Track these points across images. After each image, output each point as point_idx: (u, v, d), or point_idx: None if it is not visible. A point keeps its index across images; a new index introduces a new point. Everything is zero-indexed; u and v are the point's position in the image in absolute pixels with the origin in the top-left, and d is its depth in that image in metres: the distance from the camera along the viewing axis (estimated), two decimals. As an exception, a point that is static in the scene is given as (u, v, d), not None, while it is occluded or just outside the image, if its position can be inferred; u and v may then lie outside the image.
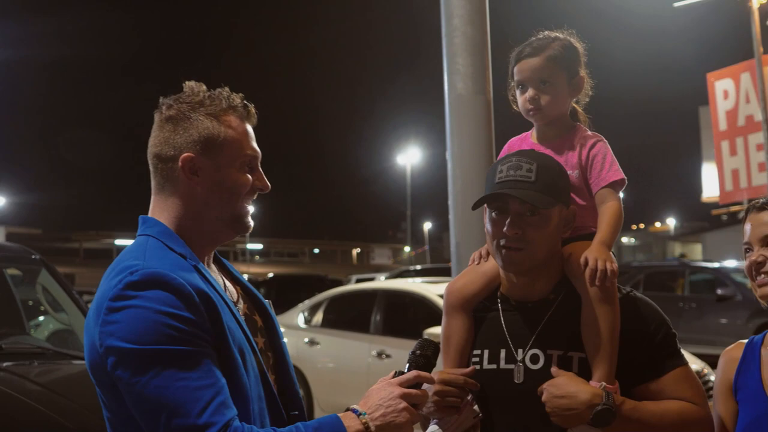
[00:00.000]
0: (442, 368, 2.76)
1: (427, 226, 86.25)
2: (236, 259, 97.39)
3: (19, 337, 6.03)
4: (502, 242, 2.60)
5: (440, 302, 9.47)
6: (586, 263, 2.60)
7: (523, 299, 2.74)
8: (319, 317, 11.90)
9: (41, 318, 6.97)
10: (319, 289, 15.27)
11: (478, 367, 2.73)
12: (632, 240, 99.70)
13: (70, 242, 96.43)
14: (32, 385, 5.06)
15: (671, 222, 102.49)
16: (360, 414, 2.25)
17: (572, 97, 2.95)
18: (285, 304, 13.49)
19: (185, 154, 2.36)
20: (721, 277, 18.98)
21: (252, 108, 2.49)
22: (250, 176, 2.45)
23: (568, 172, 2.77)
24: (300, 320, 12.14)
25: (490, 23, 5.86)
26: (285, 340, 2.67)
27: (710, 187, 22.96)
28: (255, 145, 2.48)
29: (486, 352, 2.75)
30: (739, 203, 19.09)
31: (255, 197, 2.51)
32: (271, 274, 38.93)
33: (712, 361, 9.54)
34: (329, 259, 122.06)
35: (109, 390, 2.21)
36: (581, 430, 2.50)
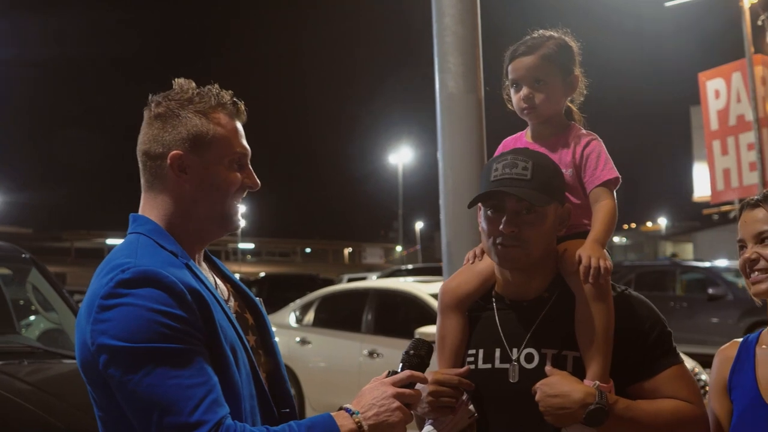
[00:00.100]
0: (436, 368, 2.75)
1: (419, 225, 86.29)
2: (228, 258, 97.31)
3: (9, 336, 5.99)
4: (499, 240, 2.58)
5: (432, 301, 9.49)
6: (580, 261, 2.59)
7: (518, 298, 2.73)
8: (310, 316, 11.88)
9: (32, 318, 6.95)
10: (310, 289, 15.24)
11: (473, 366, 2.72)
12: (624, 239, 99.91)
13: (61, 241, 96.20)
14: (22, 384, 5.03)
15: (662, 221, 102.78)
16: (353, 413, 2.25)
17: (567, 96, 2.94)
18: (276, 304, 13.49)
19: (174, 152, 2.35)
20: (713, 276, 19.05)
21: (241, 105, 2.49)
22: (239, 174, 2.44)
23: (563, 171, 2.76)
24: (291, 319, 12.12)
25: (481, 22, 5.85)
26: (276, 339, 2.66)
27: (701, 187, 23.00)
28: (244, 142, 2.47)
29: (481, 351, 2.74)
30: (731, 203, 19.13)
31: (245, 195, 2.50)
32: (262, 274, 38.82)
33: (703, 361, 9.58)
34: (321, 259, 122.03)
35: (100, 388, 2.19)
36: (575, 430, 2.49)
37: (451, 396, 2.65)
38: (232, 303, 2.49)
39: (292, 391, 2.59)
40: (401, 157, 58.30)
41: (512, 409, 2.64)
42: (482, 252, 2.85)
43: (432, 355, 2.49)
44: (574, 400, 2.45)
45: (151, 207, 2.41)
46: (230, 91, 2.47)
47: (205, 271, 2.46)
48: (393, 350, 9.63)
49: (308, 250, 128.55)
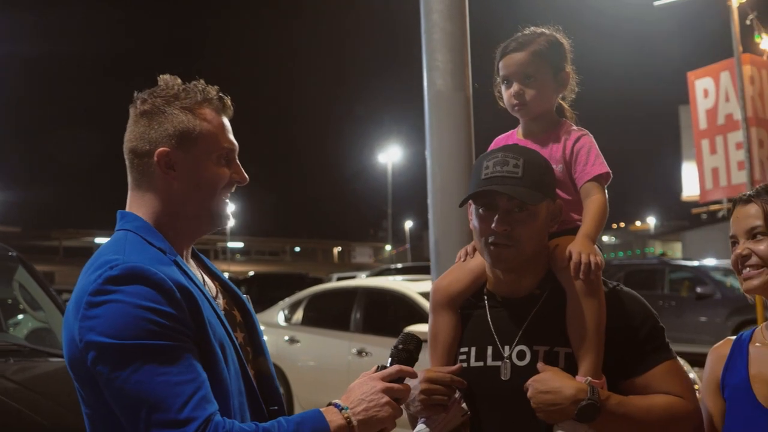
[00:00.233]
0: (427, 365, 2.74)
1: (409, 224, 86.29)
2: (217, 257, 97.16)
3: (-5, 334, 5.98)
4: (491, 239, 2.57)
5: (420, 300, 9.48)
6: (571, 257, 2.58)
7: (510, 295, 2.72)
8: (299, 315, 11.85)
9: (20, 317, 6.91)
10: (300, 288, 15.18)
11: (465, 364, 2.72)
12: (613, 239, 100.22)
13: (49, 240, 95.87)
14: (8, 382, 5.00)
15: (651, 221, 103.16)
16: (342, 408, 2.25)
17: (558, 93, 2.94)
18: (266, 303, 13.43)
19: (160, 149, 2.35)
20: (701, 275, 19.11)
21: (228, 100, 2.48)
22: (227, 169, 2.43)
23: (553, 167, 2.75)
24: (280, 318, 12.09)
25: (469, 19, 5.84)
26: (265, 338, 2.65)
27: (690, 186, 23.01)
28: (232, 137, 2.46)
29: (473, 349, 2.73)
30: (719, 202, 19.15)
31: (233, 190, 2.49)
32: (251, 273, 38.80)
33: (691, 360, 9.60)
34: (310, 258, 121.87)
35: (88, 385, 2.18)
36: (567, 426, 2.48)
37: (444, 394, 2.65)
38: (220, 300, 2.48)
39: (281, 390, 2.57)
40: (390, 156, 58.22)
41: (505, 406, 2.63)
42: (473, 250, 2.84)
43: (421, 350, 2.49)
44: (566, 396, 2.45)
45: (138, 205, 2.40)
46: (216, 87, 2.47)
47: (193, 268, 2.45)
48: (382, 349, 9.60)
49: (297, 249, 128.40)
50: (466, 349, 2.75)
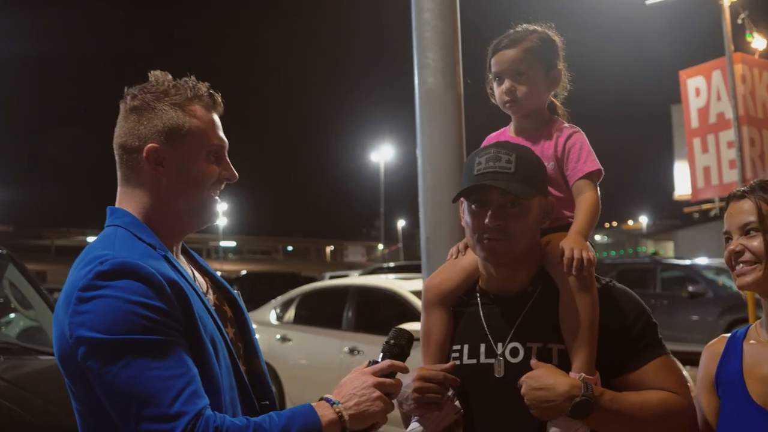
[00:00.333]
0: (419, 363, 2.74)
1: (401, 223, 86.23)
2: (209, 256, 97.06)
3: (-15, 332, 5.96)
4: (485, 235, 2.57)
5: (412, 298, 9.49)
6: (563, 253, 2.58)
7: (502, 292, 2.72)
8: (291, 314, 11.85)
9: (11, 315, 6.89)
10: (292, 287, 15.16)
11: (458, 362, 2.71)
12: (605, 238, 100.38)
13: (41, 239, 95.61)
14: (-2, 380, 4.99)
15: (644, 220, 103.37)
16: (334, 403, 2.25)
17: (550, 90, 2.94)
18: (258, 301, 13.39)
19: (150, 145, 2.35)
20: (693, 274, 19.16)
21: (218, 97, 2.48)
22: (216, 166, 2.43)
23: (545, 164, 2.75)
24: (272, 317, 12.08)
25: (460, 18, 5.84)
26: (257, 336, 2.64)
27: (682, 185, 23.09)
28: (221, 134, 2.46)
29: (466, 347, 2.72)
30: (711, 200, 19.21)
31: (222, 187, 2.49)
32: (244, 272, 38.72)
33: (683, 358, 9.61)
34: (303, 257, 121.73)
35: (79, 381, 2.18)
36: (561, 422, 2.47)
37: (437, 392, 2.64)
38: (210, 296, 2.48)
39: (273, 388, 2.58)
40: (383, 155, 58.21)
41: (498, 403, 2.62)
42: (465, 247, 2.84)
43: (412, 345, 2.48)
44: (560, 392, 2.44)
45: (128, 201, 2.40)
46: (206, 83, 2.46)
47: (183, 263, 2.45)
48: (373, 347, 9.59)
49: (290, 248, 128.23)
50: (458, 347, 2.74)
